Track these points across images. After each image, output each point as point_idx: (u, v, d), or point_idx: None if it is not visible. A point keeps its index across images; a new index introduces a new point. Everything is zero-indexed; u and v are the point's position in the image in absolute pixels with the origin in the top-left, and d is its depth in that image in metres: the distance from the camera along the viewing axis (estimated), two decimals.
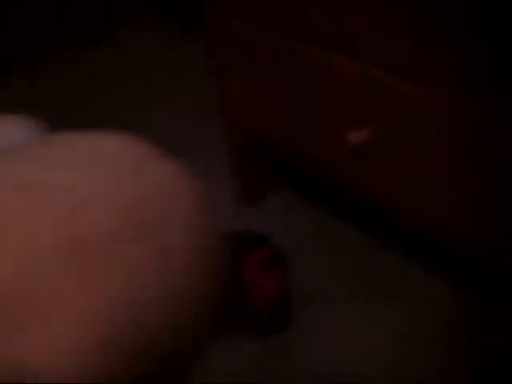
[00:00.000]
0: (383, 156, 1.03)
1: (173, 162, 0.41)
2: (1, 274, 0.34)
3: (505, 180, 0.90)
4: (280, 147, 1.26)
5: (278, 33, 1.10)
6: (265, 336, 1.15)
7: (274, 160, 1.42)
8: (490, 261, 1.05)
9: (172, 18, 2.06)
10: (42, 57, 1.89)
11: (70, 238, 0.34)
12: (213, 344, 1.14)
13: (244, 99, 1.23)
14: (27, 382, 0.33)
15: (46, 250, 0.34)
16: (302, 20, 1.04)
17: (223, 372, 1.12)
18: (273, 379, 1.11)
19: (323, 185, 1.42)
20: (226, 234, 1.18)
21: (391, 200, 1.08)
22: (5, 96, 1.80)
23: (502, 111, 0.86)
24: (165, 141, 1.62)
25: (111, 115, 1.72)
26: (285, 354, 1.14)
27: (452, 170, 0.95)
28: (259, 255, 1.13)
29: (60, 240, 0.34)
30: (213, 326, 0.42)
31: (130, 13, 2.03)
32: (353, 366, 1.11)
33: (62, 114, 1.73)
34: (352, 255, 1.29)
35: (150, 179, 0.39)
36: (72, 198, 0.35)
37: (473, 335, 1.13)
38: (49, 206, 0.35)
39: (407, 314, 1.18)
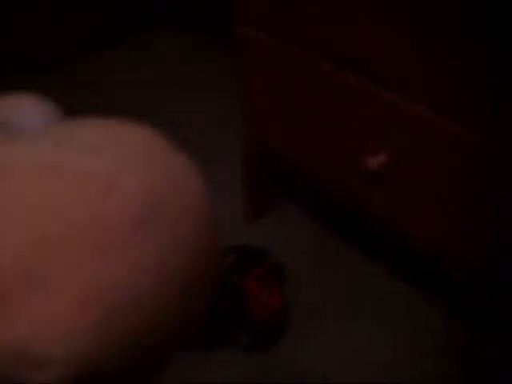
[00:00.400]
0: (397, 181, 1.04)
1: (186, 158, 0.43)
2: (12, 249, 0.34)
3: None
4: (295, 165, 1.27)
5: (304, 52, 1.09)
6: (261, 349, 1.17)
7: (278, 175, 1.42)
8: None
9: (187, 25, 2.06)
10: (43, 57, 1.90)
11: (93, 221, 0.35)
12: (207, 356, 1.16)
13: (267, 116, 1.23)
14: (26, 363, 0.33)
15: (63, 230, 0.35)
16: (328, 40, 1.04)
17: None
18: None
19: (322, 199, 1.42)
20: (228, 248, 1.21)
21: (402, 225, 1.08)
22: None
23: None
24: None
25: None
26: (277, 368, 1.15)
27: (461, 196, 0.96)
28: (260, 269, 1.16)
29: (81, 222, 0.35)
30: (200, 318, 0.43)
31: (143, 17, 2.04)
32: (344, 379, 1.12)
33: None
34: (349, 271, 1.31)
35: (167, 170, 0.40)
36: (99, 182, 0.36)
37: (467, 359, 1.14)
38: (77, 187, 0.36)
39: (402, 334, 1.19)
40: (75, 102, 1.76)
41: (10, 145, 0.39)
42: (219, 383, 1.13)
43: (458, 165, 0.94)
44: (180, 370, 1.13)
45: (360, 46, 0.99)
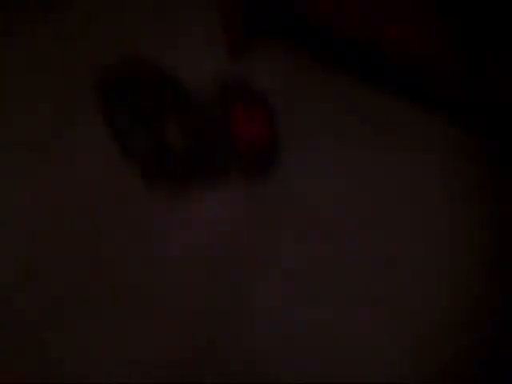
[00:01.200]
0: None
1: None
2: None
3: None
4: None
5: None
6: (258, 177, 1.18)
7: (261, 8, 1.39)
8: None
9: None
10: None
11: None
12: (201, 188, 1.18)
13: None
14: None
15: None
16: None
17: (215, 215, 1.16)
18: (261, 223, 1.15)
19: (309, 31, 1.40)
20: (214, 81, 1.20)
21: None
22: None
23: None
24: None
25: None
26: (277, 195, 1.17)
27: None
28: (246, 98, 1.15)
29: None
30: None
31: None
32: (342, 202, 1.15)
33: None
34: (341, 98, 1.29)
35: None
36: None
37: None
38: None
39: (397, 149, 1.20)
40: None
41: None
42: None
43: None
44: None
45: None
